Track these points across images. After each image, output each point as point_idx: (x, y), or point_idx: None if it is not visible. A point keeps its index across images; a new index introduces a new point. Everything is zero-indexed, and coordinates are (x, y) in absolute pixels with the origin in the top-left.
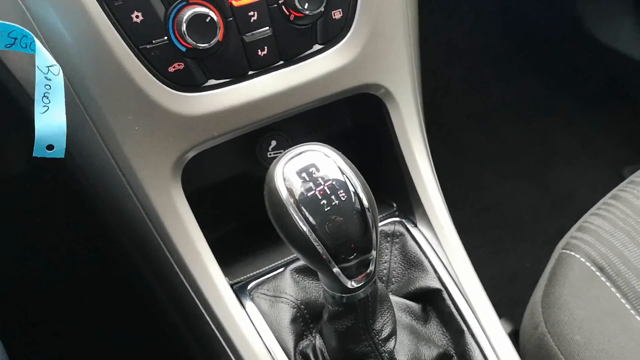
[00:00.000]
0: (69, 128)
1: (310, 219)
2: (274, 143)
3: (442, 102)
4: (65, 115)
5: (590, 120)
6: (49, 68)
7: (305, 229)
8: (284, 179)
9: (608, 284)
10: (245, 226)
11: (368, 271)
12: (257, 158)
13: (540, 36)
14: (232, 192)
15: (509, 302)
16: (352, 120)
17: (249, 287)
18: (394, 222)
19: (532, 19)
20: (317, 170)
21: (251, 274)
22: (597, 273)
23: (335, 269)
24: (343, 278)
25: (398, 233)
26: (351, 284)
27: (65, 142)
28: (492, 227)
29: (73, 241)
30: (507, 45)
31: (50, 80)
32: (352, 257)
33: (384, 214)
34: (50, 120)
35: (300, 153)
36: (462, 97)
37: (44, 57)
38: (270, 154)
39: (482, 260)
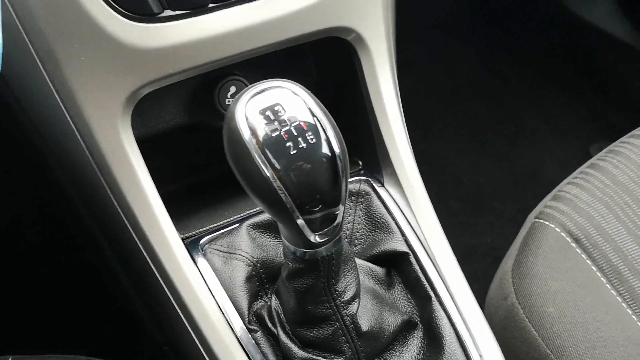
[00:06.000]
0: (6, 53)
1: (275, 162)
2: (233, 89)
3: (406, 76)
4: (1, 33)
5: (558, 98)
6: None
7: (268, 173)
8: (246, 118)
9: (583, 255)
10: (199, 180)
11: (334, 224)
12: (215, 105)
13: (510, 9)
14: (186, 143)
15: (468, 277)
16: (317, 69)
17: (201, 241)
18: (359, 181)
19: None
20: (284, 109)
21: (204, 229)
22: (573, 244)
23: (300, 221)
24: (307, 231)
25: (363, 192)
26: (315, 238)
27: (0, 63)
28: (453, 201)
29: (11, 184)
30: (473, 20)
31: None
32: (317, 208)
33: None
34: None
35: (265, 90)
36: (426, 73)
37: None
38: (229, 101)
39: None
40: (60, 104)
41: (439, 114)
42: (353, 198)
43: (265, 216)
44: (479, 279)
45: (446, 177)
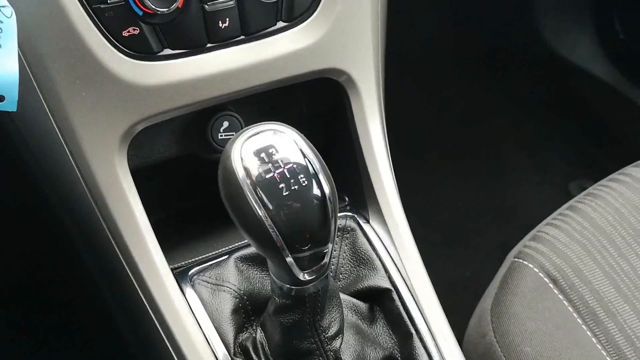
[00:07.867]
0: None
1: (267, 203)
2: (226, 124)
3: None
4: (17, 64)
5: (539, 133)
6: (1, 9)
7: (260, 213)
8: (241, 159)
9: (560, 296)
10: (188, 211)
11: (322, 263)
12: (208, 139)
13: (495, 43)
14: (178, 174)
15: (446, 311)
16: (309, 107)
17: (190, 272)
18: (345, 217)
19: (489, 26)
20: (277, 151)
21: (193, 260)
22: (550, 285)
23: (289, 259)
24: (295, 269)
25: (349, 228)
26: (303, 275)
27: (17, 93)
28: (434, 233)
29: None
30: (457, 55)
31: (1, 22)
32: (307, 247)
33: None
34: (1, 67)
35: (260, 132)
36: (405, 98)
37: None
38: (221, 136)
39: None
40: (60, 136)
41: (423, 144)
42: (339, 233)
43: (253, 249)
44: (458, 313)
45: (427, 207)
